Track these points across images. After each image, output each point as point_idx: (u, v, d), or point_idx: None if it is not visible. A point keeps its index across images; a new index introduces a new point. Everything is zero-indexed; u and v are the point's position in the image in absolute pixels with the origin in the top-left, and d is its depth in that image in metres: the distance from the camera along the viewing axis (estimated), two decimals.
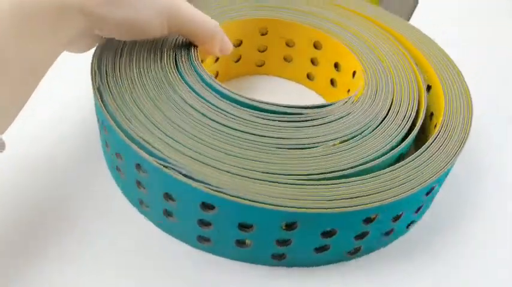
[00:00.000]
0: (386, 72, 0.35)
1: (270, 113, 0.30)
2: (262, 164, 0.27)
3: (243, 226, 0.27)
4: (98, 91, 0.30)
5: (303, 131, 0.29)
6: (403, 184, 0.27)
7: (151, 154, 0.27)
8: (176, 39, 0.34)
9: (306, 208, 0.25)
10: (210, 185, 0.26)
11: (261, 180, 0.26)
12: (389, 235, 0.30)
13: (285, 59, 0.41)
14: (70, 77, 0.34)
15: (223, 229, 0.28)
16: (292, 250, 0.28)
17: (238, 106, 0.30)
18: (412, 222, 0.32)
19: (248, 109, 0.30)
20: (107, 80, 0.30)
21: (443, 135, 0.31)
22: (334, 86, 0.39)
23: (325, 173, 0.27)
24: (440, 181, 0.30)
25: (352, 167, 0.28)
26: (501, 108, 0.44)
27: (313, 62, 0.40)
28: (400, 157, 0.31)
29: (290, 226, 0.27)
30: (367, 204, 0.26)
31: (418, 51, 0.37)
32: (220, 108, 0.30)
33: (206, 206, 0.27)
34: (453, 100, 0.34)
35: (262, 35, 0.39)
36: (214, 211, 0.27)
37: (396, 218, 0.29)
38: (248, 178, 0.26)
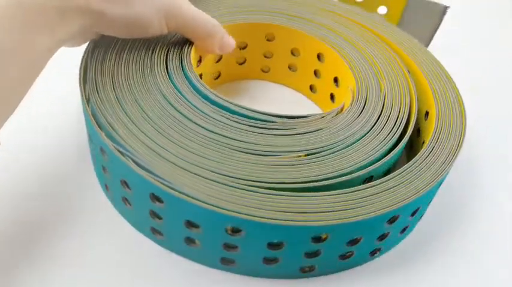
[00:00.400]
0: (379, 83, 0.34)
1: (240, 115, 0.30)
2: (220, 165, 0.27)
3: (191, 225, 0.27)
4: (84, 88, 0.30)
5: (269, 139, 0.29)
6: (360, 207, 0.26)
7: (112, 139, 0.27)
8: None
9: (248, 215, 0.25)
10: (159, 178, 0.26)
11: (213, 181, 0.26)
12: (347, 259, 0.29)
13: (290, 67, 0.41)
14: (66, 71, 0.35)
15: (172, 224, 0.28)
16: (240, 256, 0.28)
17: (209, 104, 0.30)
18: (378, 250, 0.30)
19: (219, 109, 0.30)
20: (94, 76, 0.30)
21: (428, 156, 0.30)
22: (333, 102, 0.39)
23: (279, 183, 0.27)
24: (407, 210, 0.28)
25: (310, 181, 0.27)
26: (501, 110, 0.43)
27: (316, 73, 0.40)
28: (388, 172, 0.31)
29: (236, 231, 0.26)
30: (310, 221, 0.25)
31: (412, 61, 0.37)
32: (192, 104, 0.30)
33: (156, 198, 0.27)
34: (445, 120, 0.32)
35: (268, 40, 0.39)
36: (163, 205, 0.27)
37: (353, 242, 0.28)
38: (201, 176, 0.26)
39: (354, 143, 0.30)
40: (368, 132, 0.31)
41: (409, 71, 0.36)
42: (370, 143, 0.30)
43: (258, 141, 0.29)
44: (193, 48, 0.34)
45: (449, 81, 0.35)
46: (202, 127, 0.29)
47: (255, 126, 0.29)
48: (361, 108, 0.32)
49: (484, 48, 0.51)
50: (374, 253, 0.30)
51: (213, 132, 0.29)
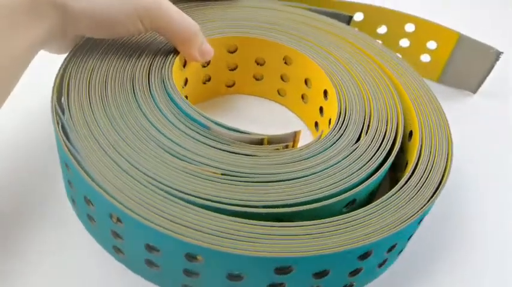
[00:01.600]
0: (361, 94, 0.34)
1: (184, 114, 0.30)
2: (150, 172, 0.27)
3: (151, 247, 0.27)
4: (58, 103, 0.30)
5: (201, 147, 0.29)
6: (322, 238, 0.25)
7: (71, 152, 0.27)
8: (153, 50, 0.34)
9: (208, 243, 0.24)
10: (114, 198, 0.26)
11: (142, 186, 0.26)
12: None
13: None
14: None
15: (132, 245, 0.27)
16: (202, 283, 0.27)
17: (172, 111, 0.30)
18: (351, 285, 0.29)
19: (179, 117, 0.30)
20: (68, 84, 0.30)
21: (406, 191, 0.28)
22: (305, 102, 0.39)
23: (191, 195, 0.26)
24: (381, 246, 0.27)
25: (216, 201, 0.26)
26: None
27: (283, 78, 0.39)
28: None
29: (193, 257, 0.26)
30: (271, 253, 0.24)
31: (398, 83, 0.36)
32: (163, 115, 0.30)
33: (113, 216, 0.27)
34: (430, 145, 0.31)
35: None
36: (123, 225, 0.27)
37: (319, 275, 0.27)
38: (142, 186, 0.26)
39: (280, 181, 0.28)
40: (311, 175, 0.29)
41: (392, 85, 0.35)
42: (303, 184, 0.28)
43: (188, 146, 0.28)
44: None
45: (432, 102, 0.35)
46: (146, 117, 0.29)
47: (193, 130, 0.29)
48: (314, 153, 0.30)
49: None
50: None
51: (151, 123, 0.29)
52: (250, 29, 0.38)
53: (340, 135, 0.31)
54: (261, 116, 0.40)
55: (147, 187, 0.26)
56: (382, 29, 0.45)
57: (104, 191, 0.25)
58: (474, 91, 0.46)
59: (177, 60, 0.34)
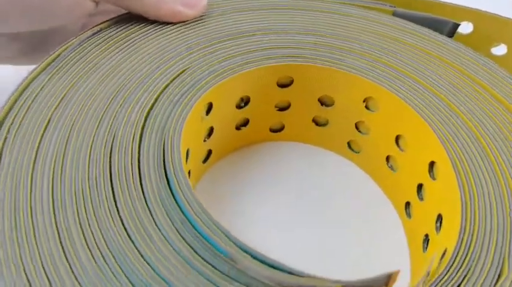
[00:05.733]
0: (498, 182, 0.20)
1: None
2: None
3: None
4: None
5: None
6: None
7: None
8: None
9: None
10: None
11: None
12: None
13: (316, 121, 0.26)
14: None
15: None
16: None
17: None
18: None
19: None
20: None
21: None
22: (394, 169, 0.25)
23: None
24: None
25: None
26: None
27: (359, 128, 0.26)
28: None
29: None
30: None
31: None
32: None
33: None
34: None
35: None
36: None
37: None
38: None
39: None
40: None
41: None
42: None
43: None
44: None
45: None
46: None
47: (205, 262, 0.16)
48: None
49: None
50: None
51: None
52: (313, 49, 0.24)
53: (463, 276, 0.18)
54: (318, 182, 0.27)
55: None
56: (499, 49, 0.31)
57: None
58: None
59: (195, 109, 0.21)
